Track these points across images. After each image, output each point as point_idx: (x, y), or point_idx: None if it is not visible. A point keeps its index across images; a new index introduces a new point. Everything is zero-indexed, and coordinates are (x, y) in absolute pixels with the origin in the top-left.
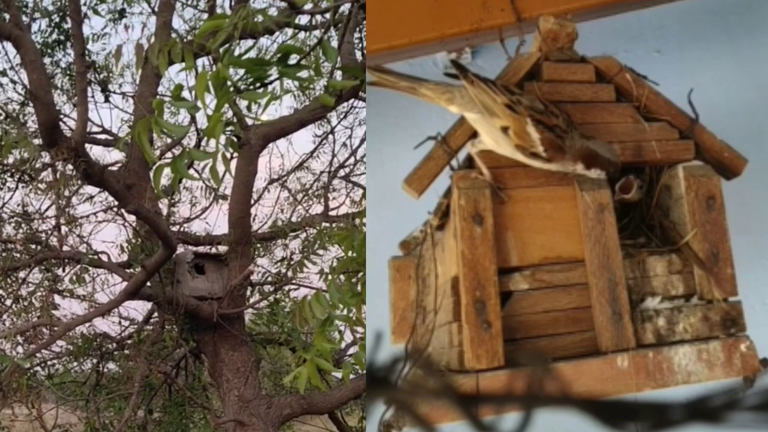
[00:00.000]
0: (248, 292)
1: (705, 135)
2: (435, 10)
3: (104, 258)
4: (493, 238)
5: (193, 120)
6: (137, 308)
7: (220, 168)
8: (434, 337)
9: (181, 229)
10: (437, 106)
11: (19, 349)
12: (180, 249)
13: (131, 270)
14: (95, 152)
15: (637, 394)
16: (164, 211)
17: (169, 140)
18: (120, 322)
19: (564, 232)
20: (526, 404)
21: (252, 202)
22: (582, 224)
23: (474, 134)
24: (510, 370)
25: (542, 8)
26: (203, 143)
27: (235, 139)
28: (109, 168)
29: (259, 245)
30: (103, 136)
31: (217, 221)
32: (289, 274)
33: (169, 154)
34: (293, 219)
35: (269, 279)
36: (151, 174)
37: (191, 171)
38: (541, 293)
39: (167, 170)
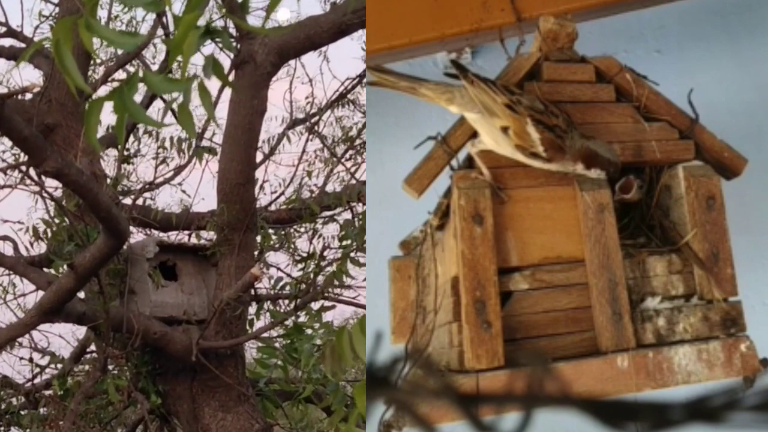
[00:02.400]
0: (251, 311)
1: (705, 135)
2: (435, 10)
3: (5, 250)
4: (493, 238)
5: (158, 26)
6: (61, 336)
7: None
8: (434, 337)
9: (139, 204)
10: (437, 106)
11: None
12: (135, 236)
13: (50, 271)
14: None
15: (637, 394)
16: (109, 173)
17: (114, 57)
18: (31, 360)
19: (564, 232)
20: (526, 404)
21: (258, 159)
22: (582, 224)
23: (474, 134)
24: (510, 370)
25: (542, 8)
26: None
27: (224, 57)
28: (15, 98)
29: (270, 231)
30: (6, 42)
31: (200, 190)
32: (321, 281)
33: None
34: (328, 188)
35: (287, 290)
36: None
37: (154, 109)
38: (541, 293)
39: (108, 105)
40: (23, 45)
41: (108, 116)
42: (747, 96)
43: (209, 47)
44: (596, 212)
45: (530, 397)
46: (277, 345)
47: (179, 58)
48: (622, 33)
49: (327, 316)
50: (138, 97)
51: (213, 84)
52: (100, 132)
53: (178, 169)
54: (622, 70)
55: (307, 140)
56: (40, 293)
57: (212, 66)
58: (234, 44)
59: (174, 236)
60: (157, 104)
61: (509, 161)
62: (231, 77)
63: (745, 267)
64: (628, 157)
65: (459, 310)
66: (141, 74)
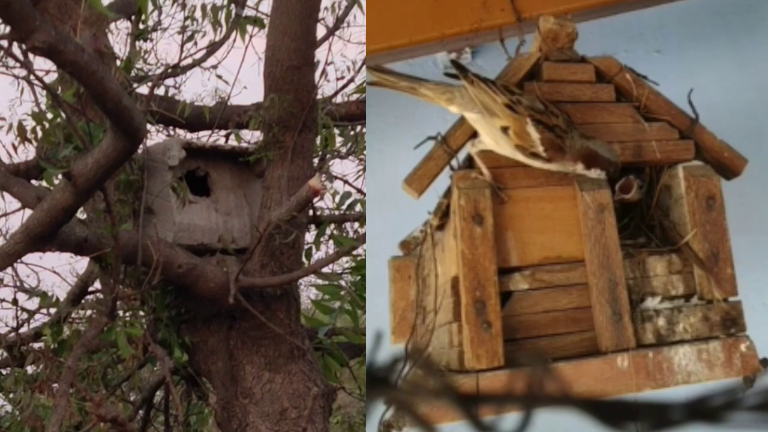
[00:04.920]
0: (309, 238)
1: (705, 135)
2: (435, 10)
3: None
4: (493, 238)
5: None
6: (55, 271)
7: None
8: (434, 337)
9: (159, 93)
10: (437, 106)
11: None
12: (154, 137)
13: (41, 183)
14: None
15: (637, 394)
16: (120, 52)
17: None
18: (15, 302)
19: (564, 232)
20: (526, 404)
21: (320, 35)
22: (582, 224)
23: (474, 134)
24: (510, 370)
25: (542, 8)
26: None
27: None
28: None
29: (335, 131)
30: None
31: (241, 76)
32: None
33: None
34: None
35: (356, 209)
36: None
37: None
38: (541, 293)
39: None
40: None
41: None
42: (747, 96)
43: None
44: (596, 212)
45: (530, 397)
46: (342, 283)
47: None
48: (622, 33)
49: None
50: None
51: None
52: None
53: (212, 48)
54: (622, 70)
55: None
56: (28, 212)
57: None
58: None
59: (206, 137)
60: None
61: (509, 161)
62: None
63: (745, 267)
64: (628, 157)
65: (459, 310)
66: None
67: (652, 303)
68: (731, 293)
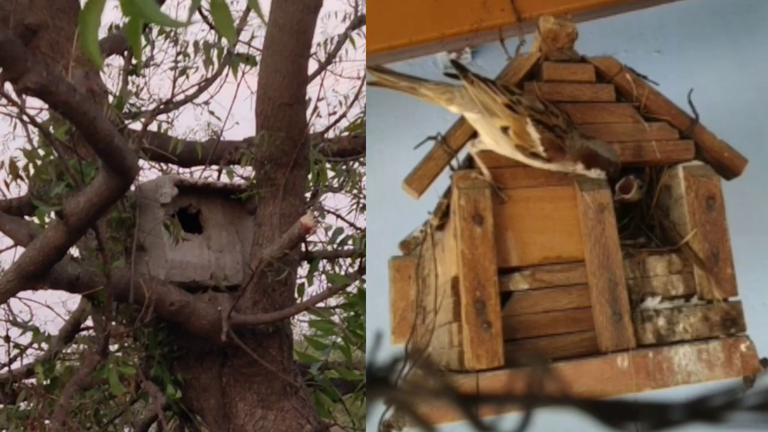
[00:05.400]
0: (301, 274)
1: (705, 135)
2: (435, 10)
3: None
4: (493, 238)
5: None
6: (48, 306)
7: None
8: (434, 337)
9: (152, 130)
10: (437, 106)
11: None
12: (147, 174)
13: (33, 220)
14: None
15: (637, 394)
16: (112, 89)
17: None
18: (8, 338)
19: (564, 232)
20: (526, 404)
21: (312, 70)
22: (582, 224)
23: (474, 134)
24: (510, 370)
25: (542, 8)
26: None
27: None
28: None
29: (327, 166)
30: None
31: (233, 112)
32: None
33: None
34: None
35: (349, 245)
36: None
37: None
38: (541, 293)
39: (112, 3)
40: None
41: (110, 11)
42: (747, 96)
43: None
44: (596, 212)
45: (530, 397)
46: (335, 318)
47: None
48: (622, 33)
49: None
50: None
51: None
52: (101, 33)
53: (205, 84)
54: (622, 70)
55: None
56: (20, 250)
57: None
58: None
59: (198, 174)
60: None
61: (509, 161)
62: None
63: (745, 267)
64: (628, 157)
65: (459, 310)
66: None
67: (652, 303)
68: (731, 293)
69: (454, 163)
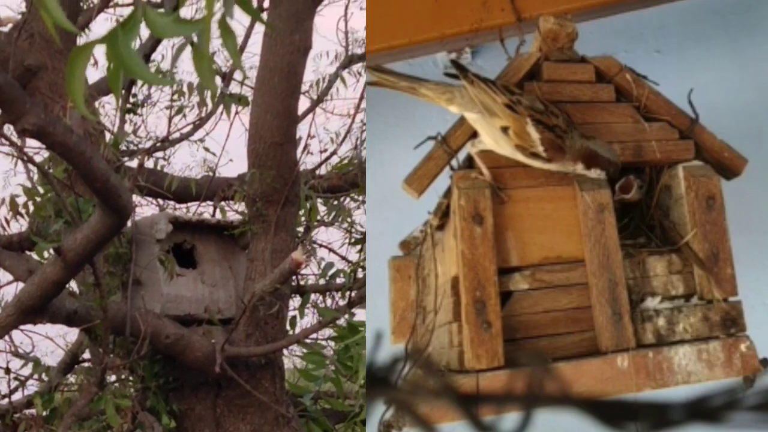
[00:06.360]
0: (292, 308)
1: (705, 135)
2: (435, 10)
3: None
4: (493, 238)
5: None
6: (49, 337)
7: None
8: (434, 337)
9: (148, 167)
10: (437, 106)
11: None
12: (143, 211)
13: (32, 256)
14: None
15: (637, 394)
16: (109, 127)
17: None
18: (8, 370)
19: (564, 232)
20: (526, 404)
21: (303, 109)
22: (582, 224)
23: (474, 134)
24: (510, 370)
25: (542, 8)
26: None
27: None
28: None
29: (318, 202)
30: None
31: (227, 149)
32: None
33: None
34: None
35: (340, 279)
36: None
37: (164, 48)
38: (541, 293)
39: (100, 50)
40: None
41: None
42: (747, 96)
43: None
44: (596, 212)
45: (530, 397)
46: (326, 351)
47: None
48: (622, 33)
49: None
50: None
51: (244, 16)
52: (98, 74)
53: (199, 122)
54: (622, 70)
55: (364, 83)
56: (20, 285)
57: None
58: None
59: (193, 210)
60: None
61: (509, 161)
62: (265, 3)
63: (745, 267)
64: (628, 157)
65: (459, 310)
66: (143, 13)
67: (652, 303)
68: (731, 293)
69: (454, 163)
